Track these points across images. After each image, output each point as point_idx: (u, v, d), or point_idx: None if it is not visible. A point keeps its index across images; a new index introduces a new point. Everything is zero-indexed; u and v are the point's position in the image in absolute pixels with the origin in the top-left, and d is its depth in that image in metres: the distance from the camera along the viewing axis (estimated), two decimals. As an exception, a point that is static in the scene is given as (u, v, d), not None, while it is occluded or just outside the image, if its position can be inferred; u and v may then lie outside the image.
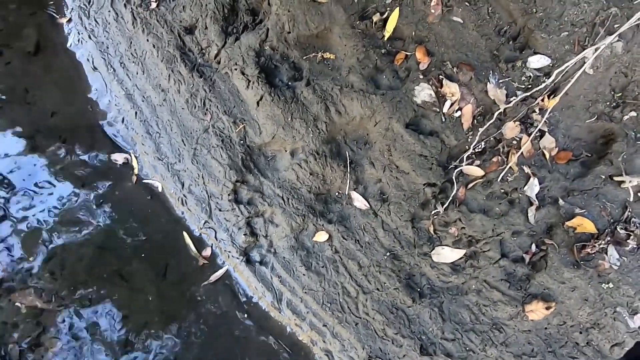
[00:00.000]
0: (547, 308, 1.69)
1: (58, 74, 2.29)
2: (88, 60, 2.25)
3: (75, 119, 2.18)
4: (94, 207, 2.04)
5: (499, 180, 1.82)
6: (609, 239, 1.70)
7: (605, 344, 1.68)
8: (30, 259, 1.93)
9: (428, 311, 1.79)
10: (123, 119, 2.15)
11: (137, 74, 2.15)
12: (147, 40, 2.13)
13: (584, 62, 1.76)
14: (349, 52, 1.97)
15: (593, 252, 1.70)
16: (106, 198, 2.06)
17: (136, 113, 2.13)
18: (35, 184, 2.05)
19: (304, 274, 1.87)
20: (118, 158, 2.10)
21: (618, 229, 1.71)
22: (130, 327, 1.90)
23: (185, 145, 2.03)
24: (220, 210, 1.97)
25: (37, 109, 2.20)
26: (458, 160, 1.85)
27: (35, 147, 2.11)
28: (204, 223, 1.99)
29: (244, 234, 1.92)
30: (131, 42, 2.18)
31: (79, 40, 2.28)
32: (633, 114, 1.78)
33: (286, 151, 1.98)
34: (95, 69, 2.23)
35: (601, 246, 1.70)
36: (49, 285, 1.90)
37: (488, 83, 1.86)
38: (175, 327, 1.91)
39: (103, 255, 1.98)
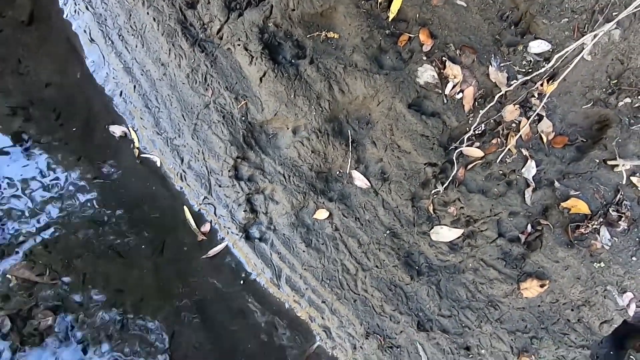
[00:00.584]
0: (541, 286, 1.74)
1: (53, 45, 2.22)
2: (85, 31, 2.19)
3: (70, 91, 2.13)
4: (90, 180, 2.00)
5: (497, 161, 1.86)
6: (601, 220, 1.76)
7: (595, 321, 1.74)
8: (23, 230, 1.88)
9: (426, 289, 1.81)
10: (121, 92, 2.11)
11: (136, 47, 2.11)
12: (148, 13, 2.08)
13: (583, 49, 1.80)
14: (353, 32, 1.97)
15: (586, 232, 1.75)
16: (102, 171, 2.02)
17: (135, 86, 2.09)
18: (29, 156, 1.99)
19: (303, 251, 1.87)
20: (116, 130, 2.05)
21: (610, 211, 1.77)
22: (125, 302, 1.88)
23: (185, 120, 2.00)
24: (220, 186, 1.96)
25: (30, 79, 2.14)
26: (458, 142, 1.88)
27: (29, 118, 2.06)
28: (203, 199, 1.97)
29: (243, 211, 1.91)
30: (131, 15, 2.13)
31: (75, 11, 2.22)
32: (627, 100, 1.84)
33: (288, 129, 1.98)
34: (92, 40, 2.18)
35: (594, 227, 1.75)
36: (42, 258, 1.86)
37: (490, 66, 1.89)
38: (172, 303, 1.89)
39: (99, 230, 1.95)
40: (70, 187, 1.98)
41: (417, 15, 1.98)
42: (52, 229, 1.91)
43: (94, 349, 1.78)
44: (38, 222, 1.91)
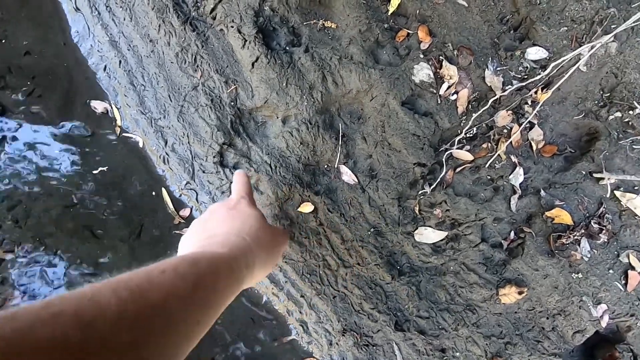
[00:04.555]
0: (520, 293, 1.75)
1: (34, 10, 2.10)
2: (70, -1, 2.07)
3: (51, 61, 2.02)
4: (67, 156, 1.91)
5: (486, 166, 1.85)
6: (583, 231, 1.77)
7: (569, 330, 1.76)
8: (-8, 205, 1.79)
9: (405, 289, 1.81)
10: (105, 66, 2.01)
11: (124, 20, 2.01)
12: (138, -15, 1.98)
13: (579, 59, 1.80)
14: (352, 23, 1.92)
15: (567, 242, 1.76)
16: (81, 148, 1.93)
17: (120, 62, 1.99)
18: (2, 127, 1.89)
19: (285, 244, 1.83)
20: (97, 106, 1.96)
21: (592, 223, 1.79)
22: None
23: (171, 101, 1.93)
24: (204, 172, 1.90)
25: (8, 45, 2.02)
26: (449, 143, 1.86)
27: (5, 86, 1.95)
28: (186, 184, 1.91)
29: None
30: (120, -15, 2.02)
31: (61, -23, 2.10)
32: (618, 114, 1.85)
33: (278, 117, 1.92)
34: (77, 9, 2.06)
35: (575, 238, 1.76)
36: (11, 234, 1.78)
37: (486, 69, 1.87)
38: (146, 288, 1.84)
39: (73, 209, 1.87)
40: (45, 162, 1.89)
41: (417, 12, 1.93)
42: (23, 204, 1.83)
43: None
44: (8, 195, 1.82)
